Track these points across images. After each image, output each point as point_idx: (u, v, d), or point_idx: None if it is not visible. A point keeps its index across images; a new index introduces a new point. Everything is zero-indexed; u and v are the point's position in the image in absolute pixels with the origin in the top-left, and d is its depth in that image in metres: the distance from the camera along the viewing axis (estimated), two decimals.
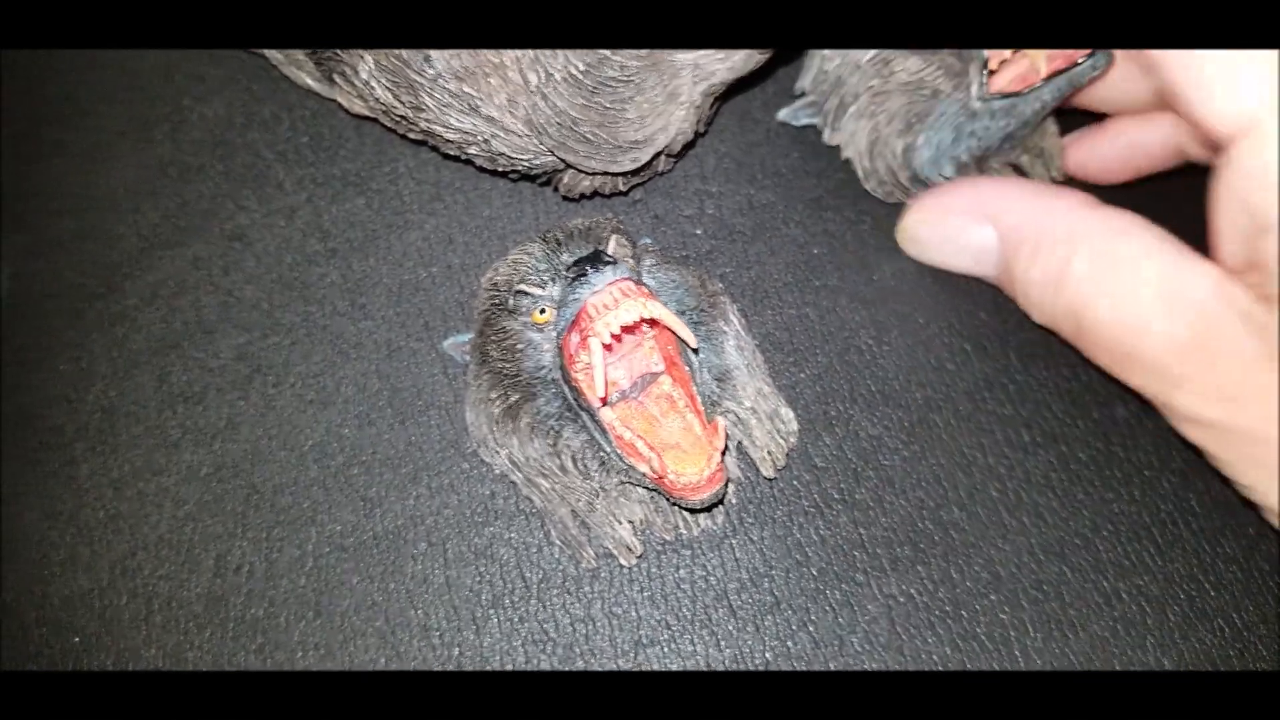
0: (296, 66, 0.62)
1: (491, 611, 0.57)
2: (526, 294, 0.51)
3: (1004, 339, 0.62)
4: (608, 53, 0.49)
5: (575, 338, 0.48)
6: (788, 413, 0.56)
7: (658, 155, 0.56)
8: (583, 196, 0.61)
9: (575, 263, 0.48)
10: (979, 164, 0.64)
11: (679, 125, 0.53)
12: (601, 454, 0.51)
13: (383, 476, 0.61)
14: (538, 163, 0.55)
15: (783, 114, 0.68)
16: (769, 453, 0.55)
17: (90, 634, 0.61)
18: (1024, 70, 0.61)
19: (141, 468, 0.63)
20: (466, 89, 0.51)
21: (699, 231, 0.66)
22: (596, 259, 0.47)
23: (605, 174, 0.56)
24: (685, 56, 0.51)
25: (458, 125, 0.53)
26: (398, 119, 0.56)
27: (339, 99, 0.59)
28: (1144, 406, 0.50)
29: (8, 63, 0.74)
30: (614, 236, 0.51)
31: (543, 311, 0.51)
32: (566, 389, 0.51)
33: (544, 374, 0.52)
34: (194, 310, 0.65)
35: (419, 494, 0.60)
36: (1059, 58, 0.59)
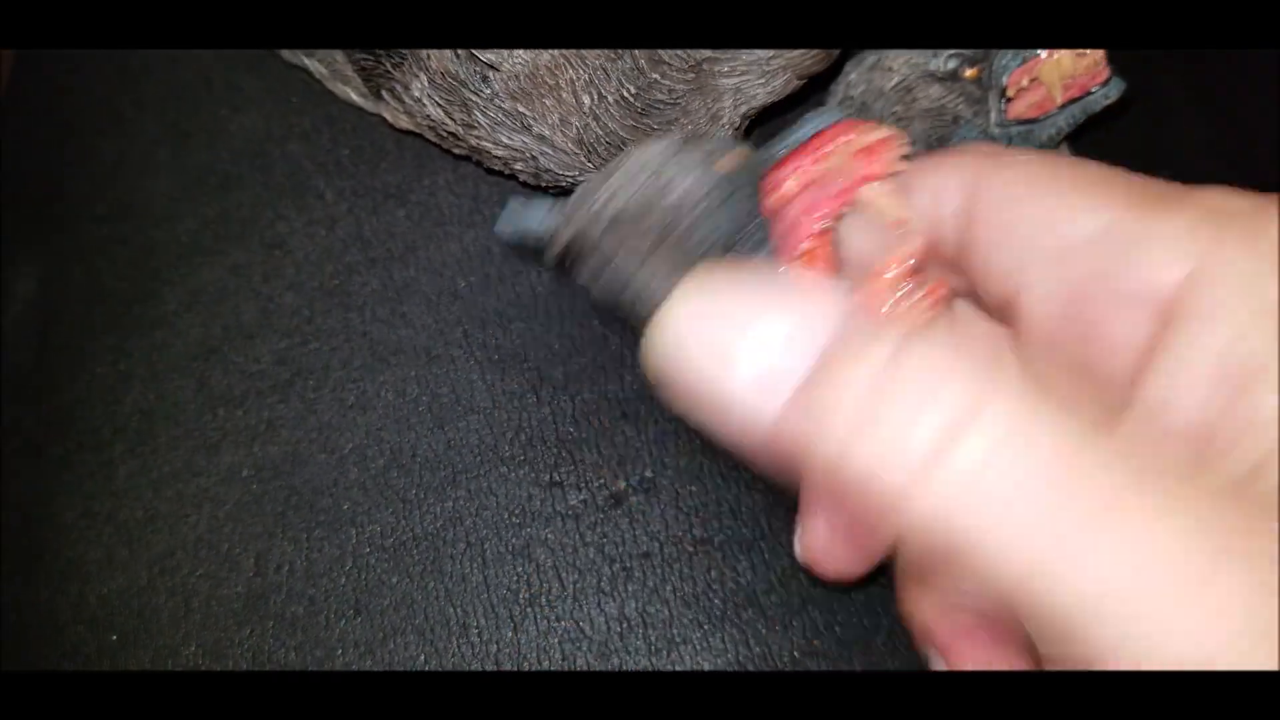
0: (342, 81, 0.64)
1: (529, 610, 0.59)
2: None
3: None
4: (657, 76, 0.51)
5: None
6: None
7: None
8: None
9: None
10: None
11: None
12: None
13: (422, 479, 0.62)
14: (581, 179, 0.57)
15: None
16: None
17: (128, 632, 0.62)
18: (1040, 97, 0.64)
19: (181, 469, 0.64)
20: (521, 108, 0.53)
21: None
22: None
23: None
24: (728, 81, 0.53)
25: (508, 143, 0.55)
26: (445, 134, 0.58)
27: (384, 114, 0.62)
28: None
29: (47, 70, 0.75)
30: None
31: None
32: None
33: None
34: (234, 316, 0.67)
35: (458, 496, 0.62)
36: (1074, 85, 0.62)
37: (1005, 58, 0.64)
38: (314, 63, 0.65)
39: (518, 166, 0.58)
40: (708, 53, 0.52)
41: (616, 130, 0.53)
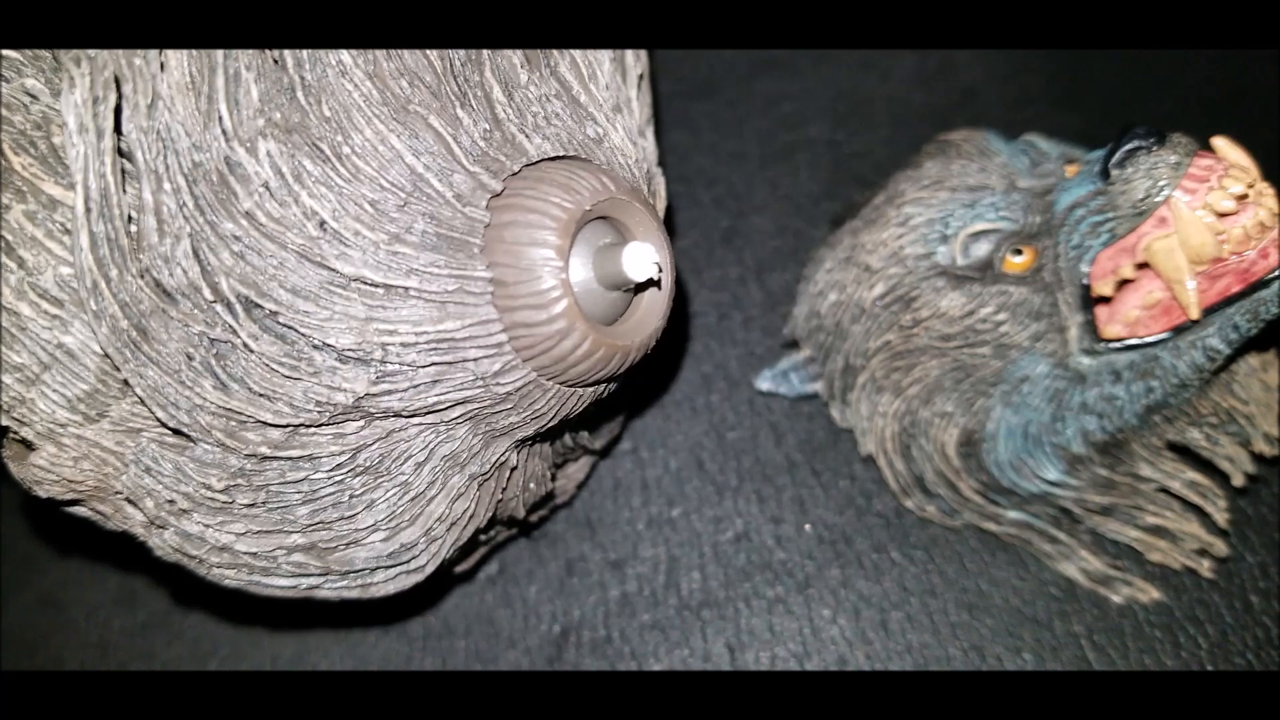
0: None
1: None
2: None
3: None
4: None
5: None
6: None
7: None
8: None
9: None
10: (1109, 453, 0.37)
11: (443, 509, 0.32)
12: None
13: None
14: None
15: (764, 380, 0.43)
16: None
17: None
18: (1159, 300, 0.35)
19: None
20: None
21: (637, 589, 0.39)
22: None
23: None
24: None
25: None
26: None
27: None
28: None
29: None
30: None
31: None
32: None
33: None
34: None
35: None
36: (1229, 274, 0.33)
37: (1078, 225, 0.35)
38: None
39: None
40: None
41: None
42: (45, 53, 0.31)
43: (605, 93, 0.33)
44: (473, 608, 0.41)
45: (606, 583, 0.40)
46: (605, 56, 0.34)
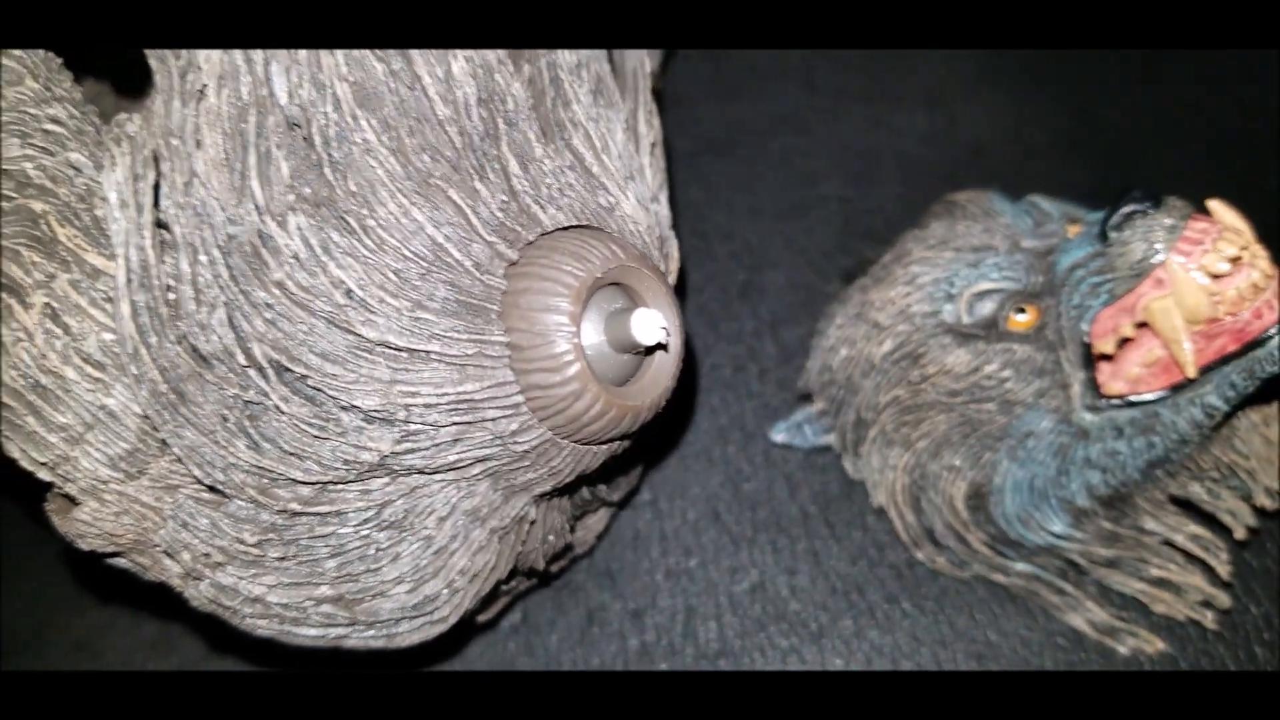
0: None
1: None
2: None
3: None
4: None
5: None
6: None
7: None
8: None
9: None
10: (1113, 506, 0.38)
11: (464, 562, 0.33)
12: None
13: None
14: None
15: (779, 432, 0.44)
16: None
17: None
18: (1159, 358, 0.36)
19: None
20: None
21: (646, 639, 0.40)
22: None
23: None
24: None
25: None
26: None
27: None
28: None
29: None
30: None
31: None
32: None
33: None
34: None
35: None
36: (1225, 333, 0.34)
37: (1079, 285, 0.36)
38: None
39: None
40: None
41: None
42: (89, 127, 0.33)
43: (618, 162, 0.34)
44: (495, 656, 0.42)
45: (626, 632, 0.41)
46: (618, 126, 0.35)
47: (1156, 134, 0.49)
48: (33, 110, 0.32)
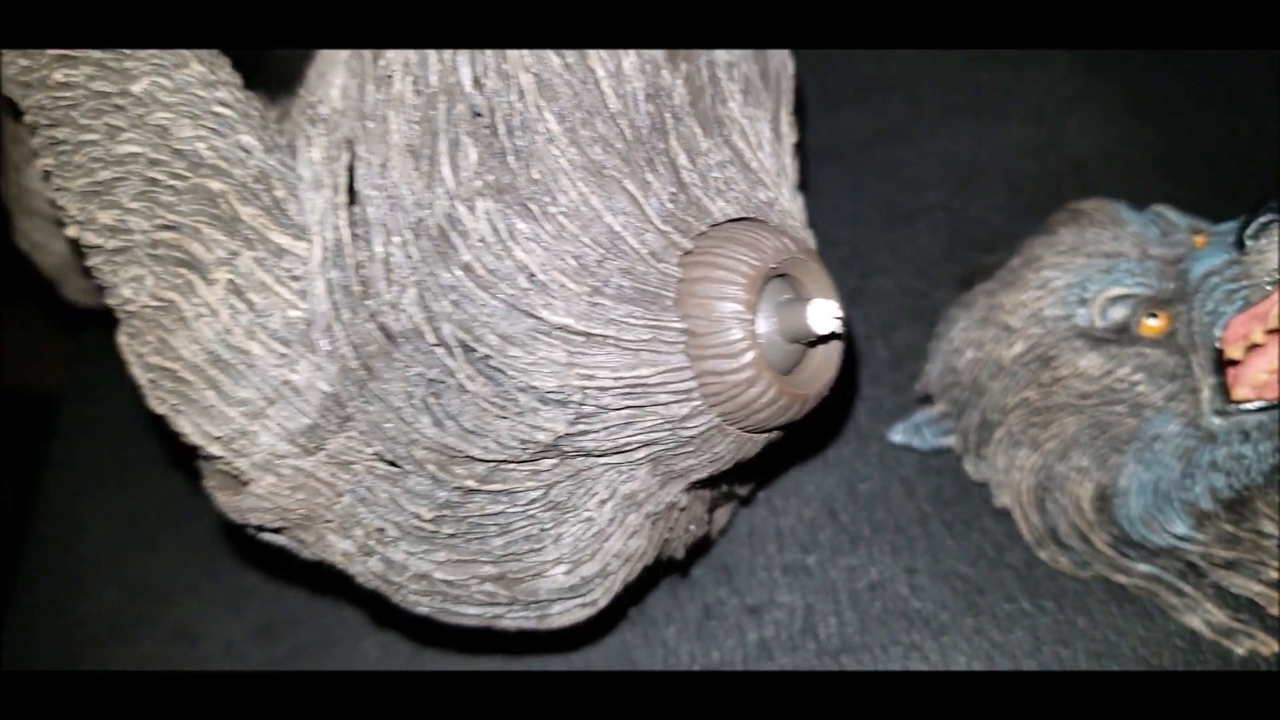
0: None
1: None
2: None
3: None
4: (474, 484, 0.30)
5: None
6: None
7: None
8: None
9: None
10: (1234, 509, 0.38)
11: (619, 546, 0.34)
12: None
13: None
14: None
15: (897, 432, 0.44)
16: None
17: None
18: None
19: None
20: None
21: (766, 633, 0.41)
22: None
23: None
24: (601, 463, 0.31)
25: None
26: None
27: None
28: None
29: None
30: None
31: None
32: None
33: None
34: None
35: None
36: None
37: (1213, 291, 0.37)
38: None
39: None
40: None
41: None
42: (254, 111, 0.34)
43: (770, 160, 0.35)
44: (613, 646, 0.42)
45: (744, 627, 0.42)
46: (765, 126, 0.36)
47: (1258, 154, 0.50)
48: (201, 93, 0.33)
